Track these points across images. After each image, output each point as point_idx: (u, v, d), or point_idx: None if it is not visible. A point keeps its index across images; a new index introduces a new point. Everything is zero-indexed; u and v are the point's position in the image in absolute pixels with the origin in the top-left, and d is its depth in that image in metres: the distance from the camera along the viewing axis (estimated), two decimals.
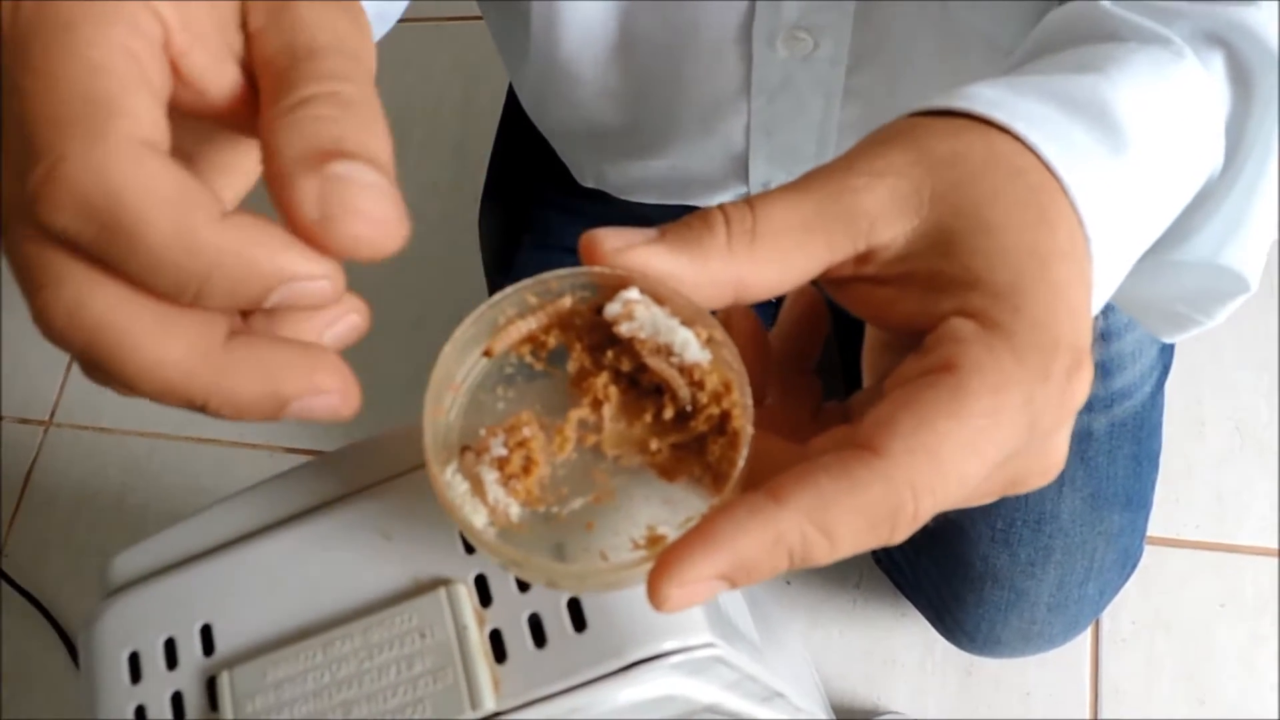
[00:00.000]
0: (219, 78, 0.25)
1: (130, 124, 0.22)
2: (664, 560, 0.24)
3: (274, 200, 0.23)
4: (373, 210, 0.23)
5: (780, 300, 0.32)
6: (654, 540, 0.26)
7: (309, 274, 0.23)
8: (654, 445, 0.27)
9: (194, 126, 0.27)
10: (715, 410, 0.27)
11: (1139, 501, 0.82)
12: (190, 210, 0.22)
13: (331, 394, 0.25)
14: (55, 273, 0.22)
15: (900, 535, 0.25)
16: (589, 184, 0.77)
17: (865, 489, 0.24)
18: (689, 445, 0.27)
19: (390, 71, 1.40)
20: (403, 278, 1.24)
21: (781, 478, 0.24)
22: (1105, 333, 0.76)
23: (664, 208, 0.76)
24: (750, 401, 0.26)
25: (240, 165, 0.30)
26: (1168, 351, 0.82)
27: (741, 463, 0.26)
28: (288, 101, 0.23)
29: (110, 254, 0.22)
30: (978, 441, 0.24)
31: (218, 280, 0.22)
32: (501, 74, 0.84)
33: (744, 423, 0.26)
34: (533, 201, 0.86)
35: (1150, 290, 0.41)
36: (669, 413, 0.27)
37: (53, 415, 1.36)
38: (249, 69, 0.25)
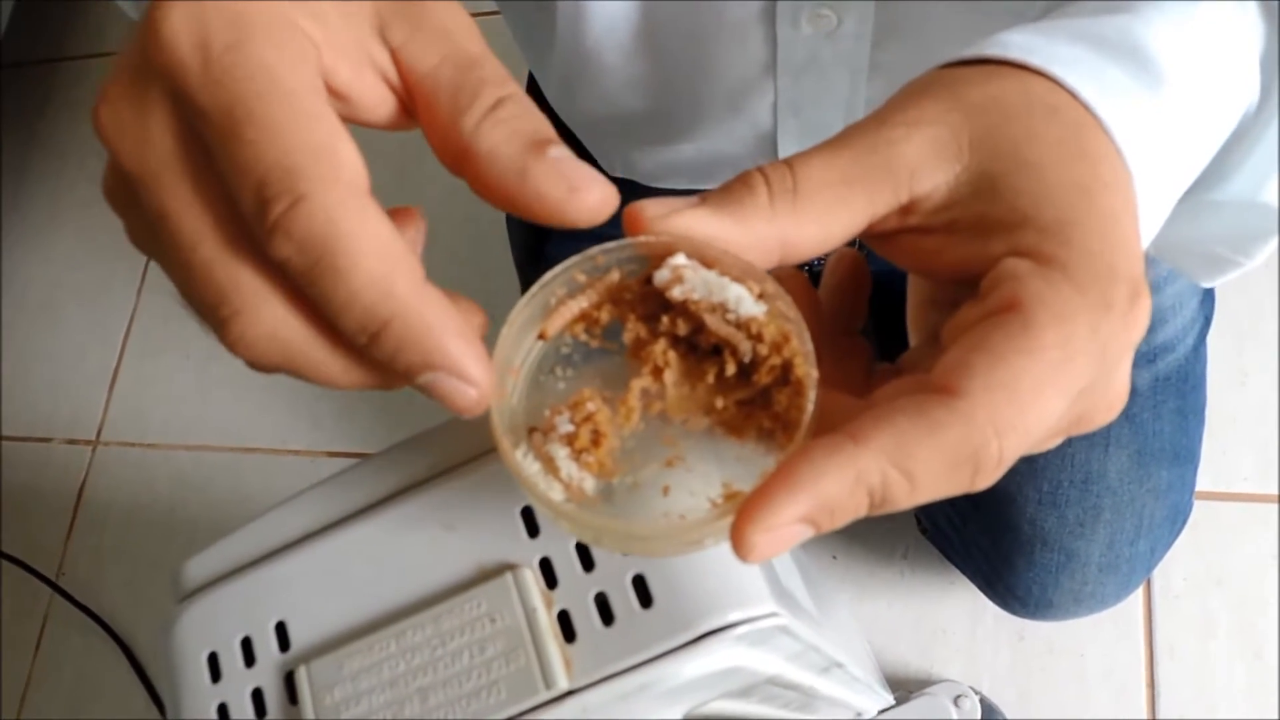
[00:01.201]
0: (362, 87, 0.27)
1: (353, 171, 0.24)
2: (747, 508, 0.24)
3: (498, 194, 0.26)
4: (597, 176, 0.25)
5: (819, 269, 0.33)
6: (731, 497, 0.26)
7: (463, 372, 0.25)
8: (719, 404, 0.27)
9: None
10: (777, 360, 0.27)
11: (1186, 456, 0.81)
12: (395, 267, 0.24)
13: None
14: (259, 299, 0.25)
15: (983, 480, 0.25)
16: (618, 173, 0.78)
17: (946, 429, 0.24)
18: (755, 400, 0.27)
19: None
20: (434, 277, 1.24)
21: (859, 420, 0.24)
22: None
23: (693, 192, 0.76)
24: (811, 348, 0.26)
25: None
26: (1208, 304, 0.81)
27: (810, 407, 0.26)
28: (479, 109, 0.26)
29: (315, 286, 0.24)
30: (1054, 375, 0.24)
31: (391, 333, 0.24)
32: (520, 69, 0.84)
33: (808, 369, 0.26)
34: None
35: (1190, 233, 0.40)
36: (730, 369, 0.27)
37: (99, 434, 1.38)
38: (392, 77, 0.27)
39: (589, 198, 0.25)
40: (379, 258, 0.24)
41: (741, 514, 0.24)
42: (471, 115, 0.25)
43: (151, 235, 0.26)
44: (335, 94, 0.26)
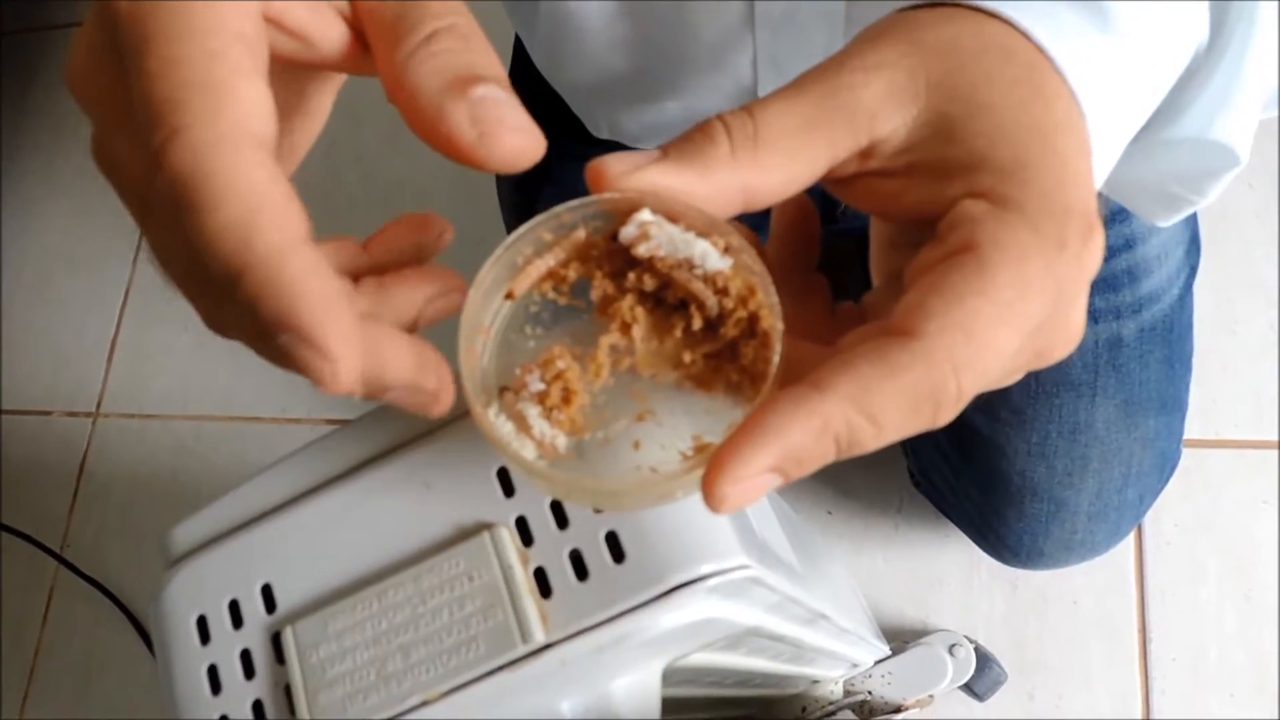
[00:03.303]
0: (321, 27, 0.26)
1: (241, 112, 0.23)
2: (717, 460, 0.24)
3: (421, 131, 0.25)
4: (520, 122, 0.25)
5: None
6: (701, 449, 0.27)
7: (317, 342, 0.23)
8: (688, 358, 0.28)
9: (277, 72, 0.28)
10: (743, 313, 0.27)
11: (1174, 404, 0.82)
12: (260, 215, 0.23)
13: (427, 394, 0.27)
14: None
15: (944, 416, 0.25)
16: (604, 135, 0.78)
17: (906, 371, 0.24)
18: (722, 353, 0.28)
19: None
20: None
21: (822, 369, 0.25)
22: (1130, 239, 0.76)
23: None
24: (776, 300, 0.27)
25: (319, 107, 0.31)
26: (1194, 252, 0.82)
27: (776, 359, 0.26)
28: (413, 40, 0.25)
29: (182, 225, 0.23)
30: (1009, 314, 0.25)
31: (246, 285, 0.23)
32: (507, 37, 0.84)
33: (773, 320, 0.27)
34: (548, 156, 0.86)
35: (1145, 172, 0.41)
36: (698, 324, 0.28)
37: (99, 406, 1.39)
38: (349, 15, 0.27)
39: (500, 145, 0.24)
40: (244, 203, 0.23)
41: (711, 466, 0.24)
42: (405, 45, 0.25)
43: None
44: (291, 34, 0.26)
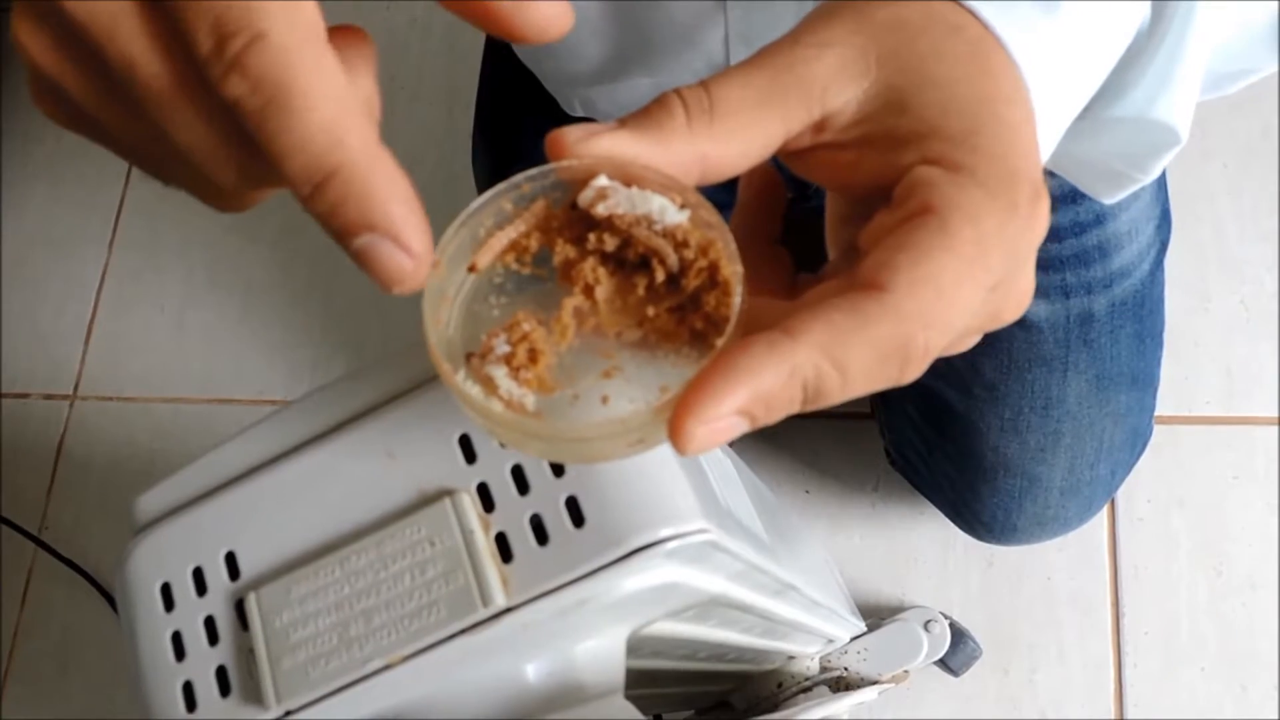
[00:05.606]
0: None
1: (313, 16, 0.23)
2: (686, 400, 0.24)
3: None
4: None
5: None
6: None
7: (403, 238, 0.24)
8: (651, 312, 0.28)
9: None
10: (703, 263, 0.27)
11: (1145, 380, 0.83)
12: (349, 117, 0.23)
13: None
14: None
15: (910, 373, 0.26)
16: (577, 113, 0.78)
17: (876, 322, 0.25)
18: (685, 305, 0.28)
19: (381, 33, 1.39)
20: None
21: (793, 317, 0.25)
22: (1101, 214, 0.76)
23: None
24: (735, 249, 0.27)
25: None
26: (1165, 228, 0.82)
27: (738, 301, 0.27)
28: None
29: (265, 126, 0.23)
30: (972, 270, 0.26)
31: (336, 185, 0.23)
32: None
33: (733, 267, 0.27)
34: (522, 135, 0.86)
35: (1090, 149, 0.42)
36: (660, 277, 0.28)
37: (77, 388, 1.38)
38: None
39: (533, 9, 0.25)
40: (334, 104, 0.23)
41: (680, 406, 0.24)
42: None
43: (97, 99, 0.25)
44: None
